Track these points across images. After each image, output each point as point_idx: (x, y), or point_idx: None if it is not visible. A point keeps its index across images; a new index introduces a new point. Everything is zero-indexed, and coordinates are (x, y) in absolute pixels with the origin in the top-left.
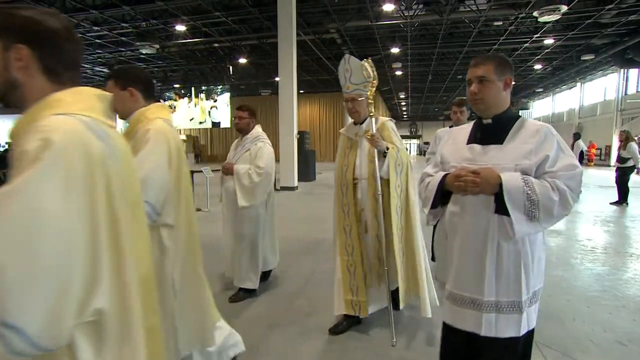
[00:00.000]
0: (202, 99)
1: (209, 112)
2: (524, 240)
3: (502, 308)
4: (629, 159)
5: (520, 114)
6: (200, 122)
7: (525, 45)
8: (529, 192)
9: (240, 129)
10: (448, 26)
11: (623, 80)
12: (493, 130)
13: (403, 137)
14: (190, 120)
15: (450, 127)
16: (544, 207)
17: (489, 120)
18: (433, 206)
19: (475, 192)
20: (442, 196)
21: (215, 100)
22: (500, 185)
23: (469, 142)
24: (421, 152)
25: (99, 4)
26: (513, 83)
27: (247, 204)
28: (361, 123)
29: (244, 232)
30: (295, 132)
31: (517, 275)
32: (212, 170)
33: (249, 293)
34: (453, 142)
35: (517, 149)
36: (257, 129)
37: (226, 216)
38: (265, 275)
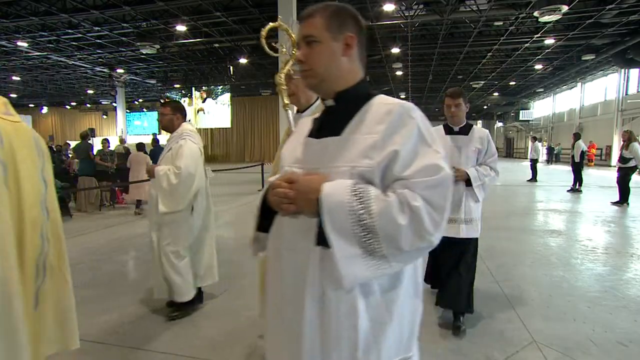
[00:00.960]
0: (197, 98)
1: (203, 114)
2: (368, 287)
3: None
4: (630, 159)
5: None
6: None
7: (526, 45)
8: (361, 211)
9: (164, 126)
10: (448, 26)
11: (624, 80)
12: (335, 115)
13: None
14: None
15: (444, 125)
16: (385, 236)
17: (331, 102)
18: (258, 229)
19: (291, 212)
20: (267, 217)
21: (204, 101)
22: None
23: (309, 134)
24: None
25: (100, 4)
26: (360, 42)
27: (166, 209)
28: (304, 111)
29: (167, 242)
30: None
31: (351, 344)
32: (213, 170)
33: (186, 306)
34: (296, 136)
35: (358, 143)
36: (184, 126)
37: (150, 227)
38: (198, 294)
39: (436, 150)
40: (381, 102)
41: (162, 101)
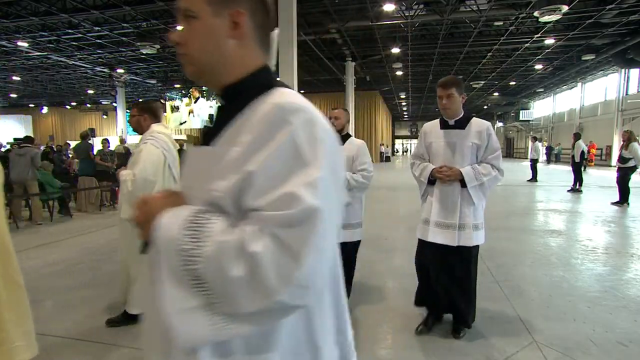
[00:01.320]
0: (194, 98)
1: (192, 117)
2: (223, 347)
3: None
4: (630, 159)
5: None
6: (181, 123)
7: (526, 45)
8: (190, 252)
9: (134, 129)
10: (448, 26)
11: (624, 80)
12: (222, 116)
13: (403, 137)
14: (182, 124)
15: (440, 118)
16: (217, 289)
17: (220, 98)
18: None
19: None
20: None
21: (196, 101)
22: None
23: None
24: None
25: (100, 4)
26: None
27: (126, 216)
28: None
29: (129, 251)
30: None
31: None
32: None
33: (132, 319)
34: None
35: (223, 157)
36: (153, 128)
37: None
38: None
39: (307, 173)
40: (269, 101)
41: (161, 101)
